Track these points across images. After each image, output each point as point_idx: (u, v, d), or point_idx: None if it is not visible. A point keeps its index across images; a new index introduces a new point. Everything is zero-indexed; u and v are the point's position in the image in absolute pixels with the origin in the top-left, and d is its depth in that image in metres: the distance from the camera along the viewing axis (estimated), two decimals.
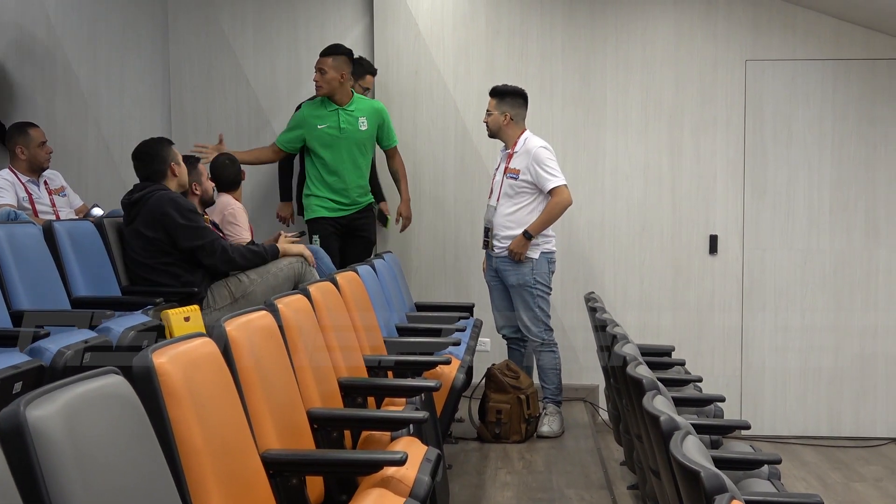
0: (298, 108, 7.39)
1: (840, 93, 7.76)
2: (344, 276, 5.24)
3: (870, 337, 7.81)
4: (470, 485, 5.91)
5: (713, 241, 7.84)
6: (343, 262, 6.99)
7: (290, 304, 4.02)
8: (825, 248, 7.81)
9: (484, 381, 6.96)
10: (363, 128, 7.24)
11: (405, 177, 7.59)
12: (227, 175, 6.75)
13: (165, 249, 5.63)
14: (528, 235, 6.77)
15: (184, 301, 5.26)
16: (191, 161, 6.16)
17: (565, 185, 6.77)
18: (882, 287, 7.79)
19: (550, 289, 6.97)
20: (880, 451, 7.52)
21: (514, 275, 6.91)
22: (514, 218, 6.84)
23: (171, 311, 4.58)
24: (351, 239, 7.32)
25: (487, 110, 6.96)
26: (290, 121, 7.34)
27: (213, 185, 6.41)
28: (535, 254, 6.87)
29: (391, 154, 7.52)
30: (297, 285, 5.65)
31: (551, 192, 6.76)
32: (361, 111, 7.25)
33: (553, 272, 6.97)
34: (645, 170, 7.78)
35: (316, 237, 7.16)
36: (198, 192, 6.16)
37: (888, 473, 6.92)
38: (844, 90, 7.75)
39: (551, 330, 6.99)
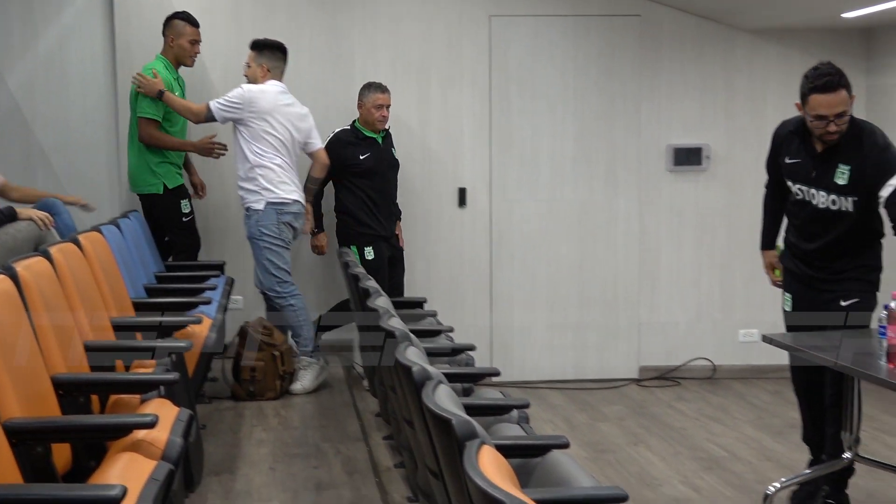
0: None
1: (581, 48, 7.99)
2: (87, 237, 5.08)
3: (611, 283, 8.12)
4: (225, 444, 5.86)
5: (462, 193, 7.97)
6: None
7: (30, 268, 3.87)
8: (569, 198, 8.05)
9: (237, 339, 6.89)
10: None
11: None
12: None
13: None
14: None
15: None
16: None
17: (209, 112, 6.90)
18: (621, 235, 8.10)
19: (284, 240, 6.94)
20: (622, 392, 7.86)
21: (245, 227, 6.94)
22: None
23: None
24: None
25: (246, 62, 7.06)
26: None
27: None
28: (259, 205, 6.85)
29: None
30: (38, 247, 5.43)
31: None
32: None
33: (290, 223, 6.94)
34: (395, 124, 7.80)
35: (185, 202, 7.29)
36: None
37: (629, 412, 7.25)
38: (585, 45, 7.98)
39: (286, 282, 6.96)
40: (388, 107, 7.32)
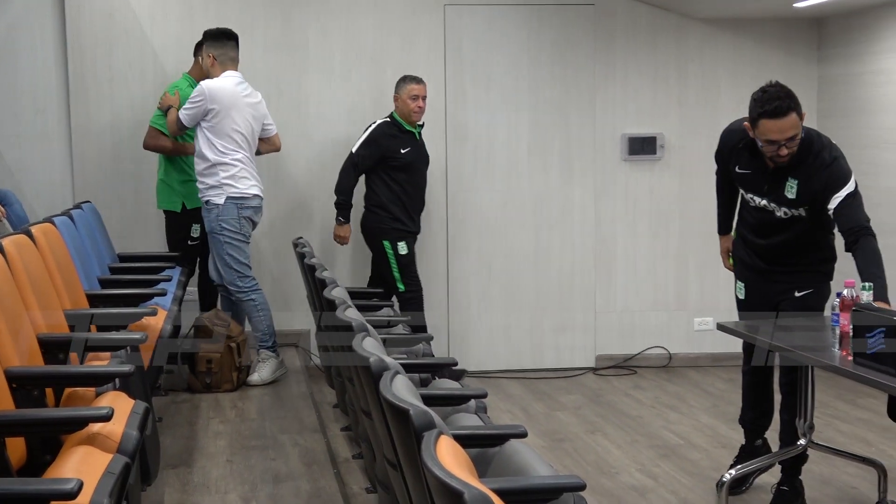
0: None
1: (535, 37, 8.00)
2: (40, 229, 5.03)
3: (567, 272, 8.15)
4: (182, 436, 5.83)
5: None
6: None
7: None
8: (525, 188, 8.06)
9: (193, 330, 6.85)
10: None
11: None
12: None
13: None
14: None
15: None
16: None
17: (180, 122, 6.80)
18: (577, 224, 8.13)
19: (244, 235, 6.89)
20: (579, 381, 7.89)
21: (205, 222, 6.88)
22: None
23: None
24: None
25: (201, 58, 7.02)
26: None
27: None
28: (219, 199, 6.78)
29: None
30: None
31: None
32: None
33: (250, 218, 6.89)
34: (350, 114, 7.80)
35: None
36: None
37: (586, 401, 7.28)
38: (539, 34, 8.00)
39: (247, 277, 6.92)
40: (423, 98, 7.27)
